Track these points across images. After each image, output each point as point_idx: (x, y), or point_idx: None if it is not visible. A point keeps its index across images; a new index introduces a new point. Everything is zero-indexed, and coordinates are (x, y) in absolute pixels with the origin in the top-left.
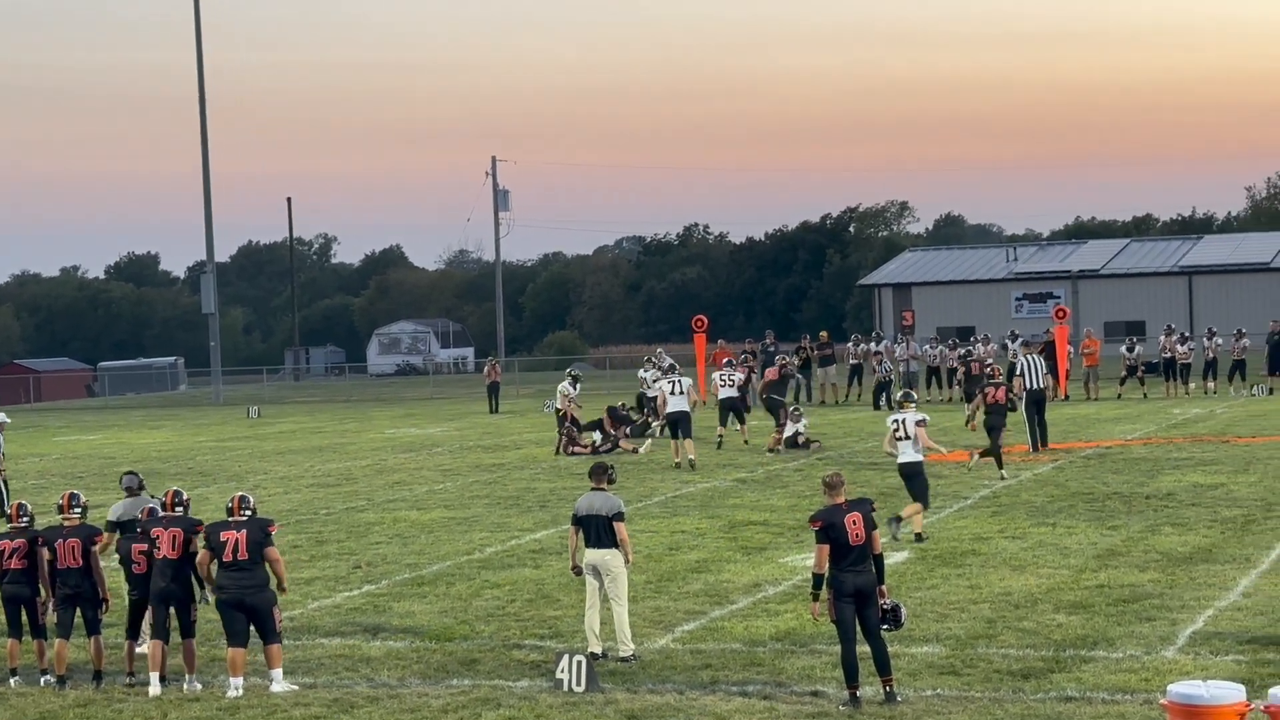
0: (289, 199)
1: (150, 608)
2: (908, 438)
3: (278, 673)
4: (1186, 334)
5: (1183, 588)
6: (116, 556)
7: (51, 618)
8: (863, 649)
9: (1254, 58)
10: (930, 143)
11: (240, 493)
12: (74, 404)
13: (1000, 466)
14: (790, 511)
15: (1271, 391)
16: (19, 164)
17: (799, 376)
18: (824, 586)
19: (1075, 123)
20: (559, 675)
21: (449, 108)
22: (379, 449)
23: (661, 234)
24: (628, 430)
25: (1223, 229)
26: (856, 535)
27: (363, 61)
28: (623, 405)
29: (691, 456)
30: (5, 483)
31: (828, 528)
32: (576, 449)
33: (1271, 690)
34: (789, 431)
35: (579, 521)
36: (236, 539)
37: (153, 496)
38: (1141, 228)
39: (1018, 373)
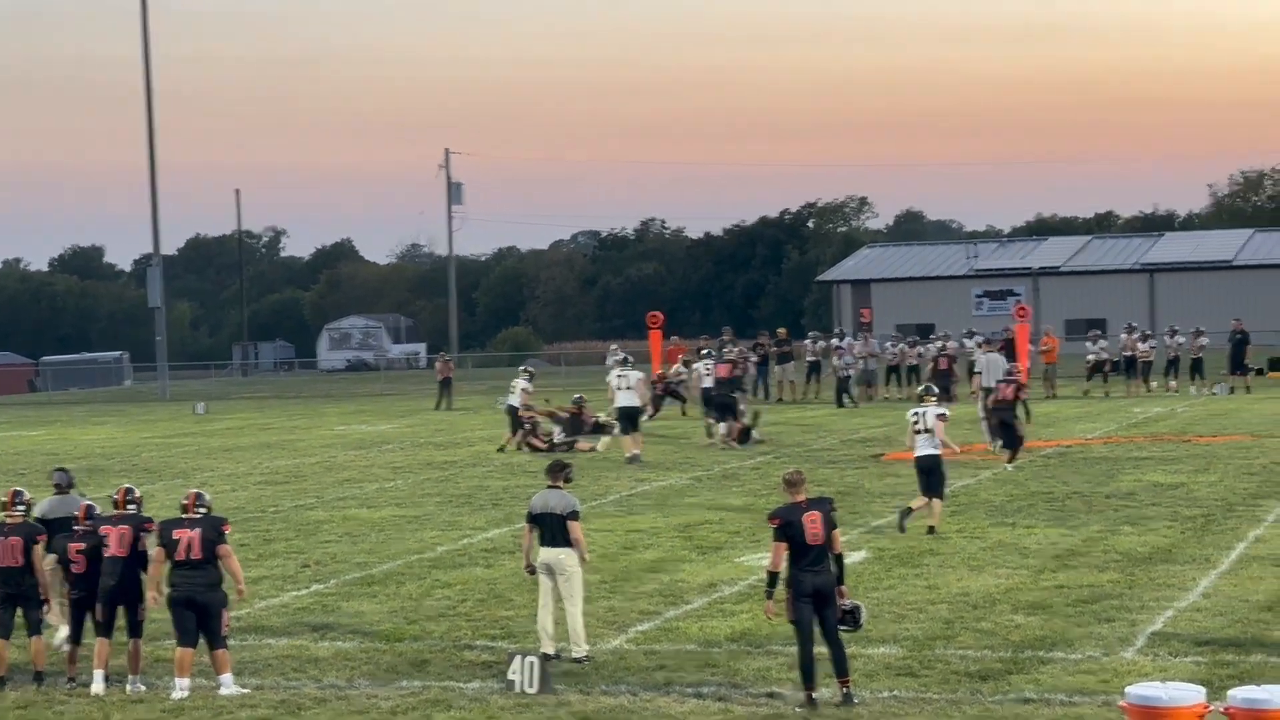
0: (237, 191)
1: (99, 606)
2: (927, 431)
3: (228, 678)
4: (1148, 332)
5: (1142, 588)
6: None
7: None
8: (820, 650)
9: (1218, 53)
10: (890, 138)
11: (195, 489)
12: (16, 399)
13: (1012, 459)
14: (747, 510)
15: (1232, 390)
16: None
17: (754, 373)
18: (778, 585)
19: (1036, 119)
20: (511, 676)
21: (402, 99)
22: (329, 446)
23: (618, 229)
24: (595, 421)
25: (1185, 226)
26: (814, 534)
27: (313, 52)
28: (581, 398)
29: (636, 450)
30: None
31: (785, 526)
32: (534, 440)
33: (1230, 692)
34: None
35: (534, 520)
36: (190, 538)
37: (82, 495)
38: (1103, 225)
39: (976, 370)
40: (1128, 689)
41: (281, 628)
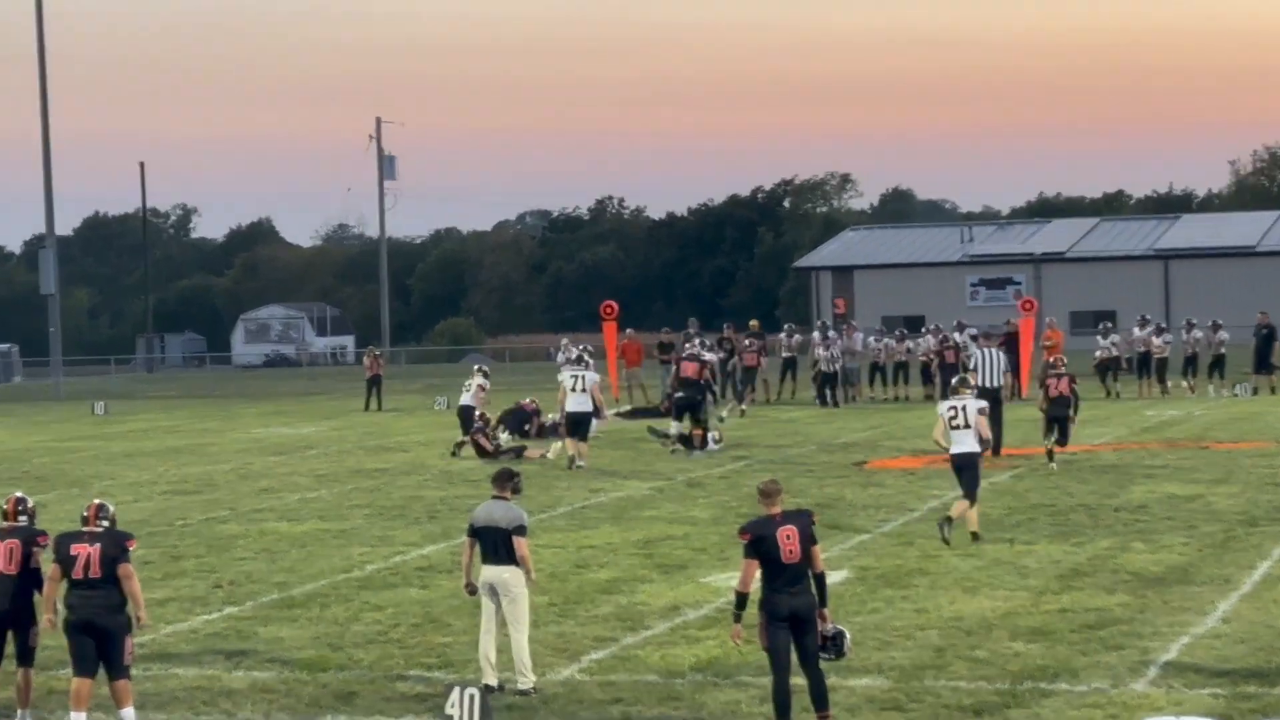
0: (141, 164)
1: None
2: (967, 426)
3: (129, 711)
4: (1163, 325)
5: (1155, 612)
6: None
7: None
8: (797, 680)
9: (1239, 16)
10: (876, 107)
11: (97, 500)
12: None
13: (1050, 459)
14: (714, 525)
15: (1256, 391)
16: None
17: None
18: (746, 607)
19: (1039, 86)
20: (449, 711)
21: (328, 61)
22: (244, 451)
23: (570, 208)
24: (545, 423)
25: (1203, 207)
26: (790, 551)
27: (228, 8)
28: (532, 400)
29: (582, 463)
30: None
31: (757, 541)
32: (481, 440)
33: None
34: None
35: (476, 533)
36: (89, 554)
37: None
38: (1113, 206)
39: (971, 367)
40: None
41: (191, 655)
